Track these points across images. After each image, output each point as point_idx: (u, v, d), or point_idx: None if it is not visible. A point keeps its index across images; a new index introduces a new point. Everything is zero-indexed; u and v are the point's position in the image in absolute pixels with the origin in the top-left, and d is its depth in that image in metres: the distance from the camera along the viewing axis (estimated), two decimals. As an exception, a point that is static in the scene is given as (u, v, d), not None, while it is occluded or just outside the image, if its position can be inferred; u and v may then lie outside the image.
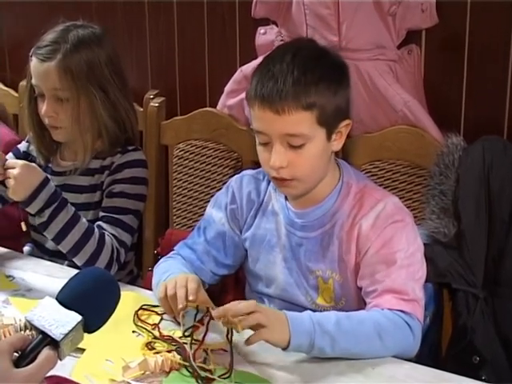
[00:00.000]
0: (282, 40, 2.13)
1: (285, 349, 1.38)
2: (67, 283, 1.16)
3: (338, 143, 1.52)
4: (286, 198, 1.60)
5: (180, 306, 1.44)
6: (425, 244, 1.60)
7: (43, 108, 1.85)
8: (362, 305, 1.52)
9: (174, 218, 2.35)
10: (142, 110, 2.36)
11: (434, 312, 1.74)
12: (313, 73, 1.44)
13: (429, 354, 1.66)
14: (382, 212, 1.50)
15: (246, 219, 1.65)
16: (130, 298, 1.59)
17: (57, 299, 1.13)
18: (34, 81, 1.85)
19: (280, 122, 1.43)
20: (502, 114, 2.00)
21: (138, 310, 1.56)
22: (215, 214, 1.67)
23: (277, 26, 2.18)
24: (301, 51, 1.49)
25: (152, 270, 1.69)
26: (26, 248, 2.06)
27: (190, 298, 1.44)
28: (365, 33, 2.01)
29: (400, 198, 1.87)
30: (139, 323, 1.53)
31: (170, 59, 2.50)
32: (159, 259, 1.72)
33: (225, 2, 2.33)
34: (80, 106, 1.83)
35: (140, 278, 2.10)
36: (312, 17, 2.03)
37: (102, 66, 1.86)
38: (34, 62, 1.84)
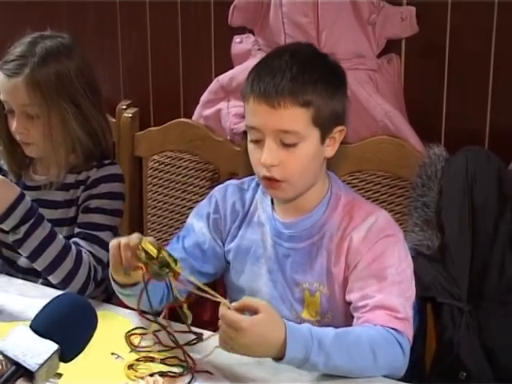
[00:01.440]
0: (259, 49, 2.10)
1: (277, 360, 1.34)
2: (42, 310, 1.10)
3: (331, 149, 1.49)
4: (272, 208, 1.57)
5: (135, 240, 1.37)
6: (408, 257, 1.57)
7: (13, 125, 1.79)
8: (348, 320, 1.48)
9: (149, 231, 2.30)
10: (114, 120, 2.32)
11: (418, 327, 1.69)
12: (311, 72, 1.43)
13: (412, 371, 1.62)
14: (374, 225, 1.47)
15: (229, 230, 1.61)
16: (106, 318, 1.53)
17: (31, 327, 1.07)
18: (2, 97, 1.80)
19: (275, 116, 1.41)
20: (484, 123, 1.99)
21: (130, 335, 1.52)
22: (196, 223, 1.63)
23: (253, 34, 2.15)
24: (300, 52, 1.49)
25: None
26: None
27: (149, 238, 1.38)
28: (344, 42, 1.98)
29: None
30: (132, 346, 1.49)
31: (143, 68, 2.46)
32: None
33: (199, 10, 2.29)
34: (51, 121, 1.78)
35: (115, 295, 2.03)
36: (290, 25, 1.99)
37: (72, 78, 1.80)
38: (1, 78, 1.79)
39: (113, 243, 1.43)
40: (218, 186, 1.65)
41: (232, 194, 1.62)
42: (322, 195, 1.53)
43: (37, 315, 1.09)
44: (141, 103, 2.39)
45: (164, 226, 2.28)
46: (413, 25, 1.97)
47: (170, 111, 2.36)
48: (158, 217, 2.29)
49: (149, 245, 1.36)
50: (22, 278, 1.81)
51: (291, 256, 1.54)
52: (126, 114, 2.31)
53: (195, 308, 1.65)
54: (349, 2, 1.97)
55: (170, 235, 2.22)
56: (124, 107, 2.35)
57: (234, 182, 1.65)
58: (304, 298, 1.53)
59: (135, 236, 1.39)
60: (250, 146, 1.48)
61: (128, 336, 1.52)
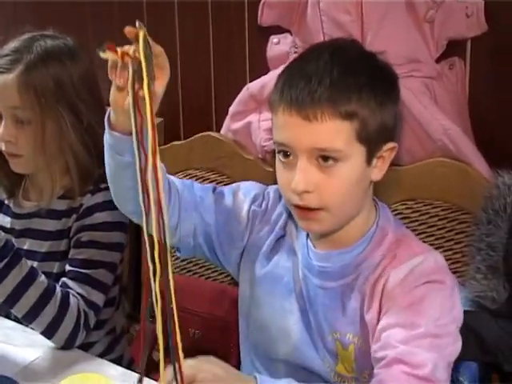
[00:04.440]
0: (295, 52, 1.84)
1: None
2: None
3: (378, 171, 1.29)
4: (307, 235, 1.35)
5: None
6: (468, 311, 1.33)
7: (0, 131, 1.58)
8: None
9: (173, 258, 2.05)
10: None
11: None
12: (356, 76, 1.22)
13: None
14: (418, 267, 1.25)
15: (260, 242, 1.40)
16: None
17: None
18: None
19: (310, 131, 1.20)
20: None
21: None
22: (240, 194, 1.42)
23: (291, 34, 1.89)
24: (342, 50, 1.28)
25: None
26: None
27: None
28: (395, 44, 1.70)
29: (437, 248, 1.58)
30: None
31: (172, 74, 2.23)
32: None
33: (232, 11, 2.05)
34: (45, 130, 1.57)
35: (125, 335, 1.82)
36: (329, 24, 1.72)
37: (74, 84, 1.60)
38: None
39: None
40: (276, 186, 1.41)
41: (284, 204, 1.39)
42: (365, 228, 1.31)
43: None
44: (169, 113, 2.15)
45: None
46: (480, 22, 1.68)
47: (200, 123, 2.14)
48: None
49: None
50: (16, 319, 1.60)
51: (320, 296, 1.32)
52: (149, 125, 2.07)
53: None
54: (401, -4, 1.70)
55: (195, 265, 1.99)
56: (149, 117, 2.12)
57: None
58: (337, 350, 1.30)
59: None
60: (279, 167, 1.27)
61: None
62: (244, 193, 1.42)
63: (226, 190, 1.43)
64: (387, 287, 1.25)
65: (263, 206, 1.41)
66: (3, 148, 1.60)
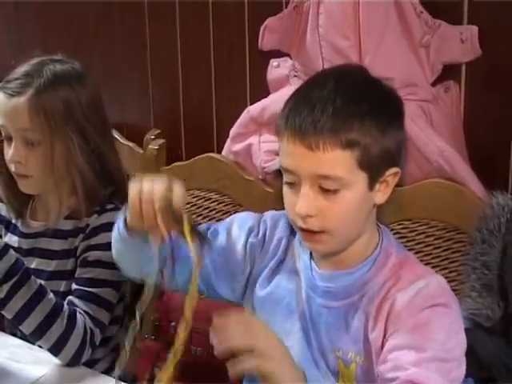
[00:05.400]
0: (295, 76, 1.87)
1: None
2: None
3: (382, 195, 1.28)
4: (311, 255, 1.36)
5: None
6: (464, 329, 1.29)
7: (10, 152, 1.61)
8: None
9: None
10: (142, 152, 2.13)
11: None
12: (359, 104, 1.21)
13: None
14: (424, 290, 1.25)
15: (264, 268, 1.40)
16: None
17: None
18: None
19: (312, 159, 1.20)
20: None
21: None
22: (235, 229, 1.42)
23: (291, 58, 1.93)
24: (347, 78, 1.27)
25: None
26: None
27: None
28: (392, 68, 1.73)
29: (433, 267, 1.62)
30: None
31: (174, 94, 2.25)
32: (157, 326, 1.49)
33: (234, 33, 2.08)
34: (54, 151, 1.60)
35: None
36: (328, 49, 1.76)
37: (82, 107, 1.63)
38: (0, 98, 1.61)
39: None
40: (272, 212, 1.44)
41: (283, 228, 1.41)
42: (369, 250, 1.32)
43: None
44: (171, 135, 2.20)
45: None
46: (475, 47, 1.72)
47: (202, 144, 2.17)
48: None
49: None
50: (22, 337, 1.62)
51: (324, 315, 1.32)
52: (151, 146, 2.10)
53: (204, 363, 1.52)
54: (397, 22, 1.73)
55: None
56: (152, 137, 2.15)
57: (287, 215, 1.43)
58: (338, 368, 1.30)
59: (159, 195, 1.21)
60: (285, 189, 1.28)
61: None
62: (239, 226, 1.43)
63: (221, 227, 1.43)
64: (394, 309, 1.26)
65: (260, 235, 1.42)
66: (13, 169, 1.63)
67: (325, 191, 1.22)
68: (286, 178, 1.27)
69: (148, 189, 1.21)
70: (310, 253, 1.36)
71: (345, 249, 1.30)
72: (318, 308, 1.33)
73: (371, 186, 1.25)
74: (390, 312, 1.26)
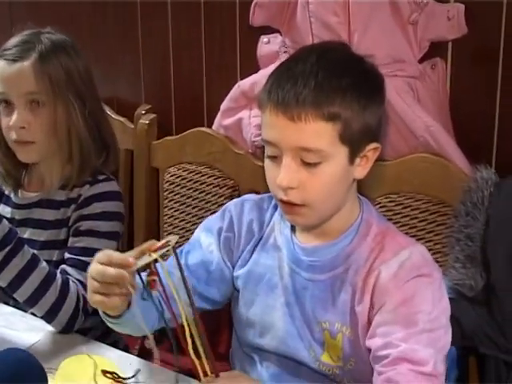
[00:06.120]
0: (285, 52, 1.88)
1: None
2: None
3: (361, 169, 1.30)
4: (292, 230, 1.37)
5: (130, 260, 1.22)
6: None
7: (12, 118, 1.61)
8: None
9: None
10: (133, 127, 2.15)
11: (457, 381, 1.50)
12: (340, 79, 1.23)
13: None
14: (407, 261, 1.28)
15: (241, 252, 1.42)
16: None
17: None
18: None
19: (294, 131, 1.22)
20: (543, 142, 1.75)
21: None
22: (204, 238, 1.44)
23: (281, 34, 1.93)
24: (330, 53, 1.29)
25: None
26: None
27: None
28: (380, 44, 1.74)
29: (419, 239, 1.65)
30: None
31: (164, 71, 2.26)
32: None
33: (224, 10, 2.08)
34: (57, 114, 1.62)
35: None
36: (318, 25, 1.77)
37: (80, 74, 1.66)
38: (0, 65, 1.62)
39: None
40: (234, 201, 1.46)
41: (250, 211, 1.43)
42: (350, 221, 1.34)
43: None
44: (162, 109, 2.21)
45: (180, 245, 2.08)
46: (461, 25, 1.73)
47: (192, 119, 2.17)
48: (175, 234, 2.08)
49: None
50: (14, 305, 1.64)
51: (309, 289, 1.34)
52: (142, 121, 2.12)
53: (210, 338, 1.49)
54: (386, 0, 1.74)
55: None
56: (143, 112, 2.17)
57: (252, 197, 1.46)
58: (324, 339, 1.33)
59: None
60: (267, 162, 1.30)
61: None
62: (206, 235, 1.44)
63: (190, 245, 1.44)
64: (379, 282, 1.28)
65: (227, 225, 1.43)
66: (14, 137, 1.62)
67: (306, 164, 1.24)
68: (268, 151, 1.29)
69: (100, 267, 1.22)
70: (292, 227, 1.37)
71: (325, 222, 1.32)
72: (302, 282, 1.35)
73: (351, 160, 1.27)
74: (375, 285, 1.28)
